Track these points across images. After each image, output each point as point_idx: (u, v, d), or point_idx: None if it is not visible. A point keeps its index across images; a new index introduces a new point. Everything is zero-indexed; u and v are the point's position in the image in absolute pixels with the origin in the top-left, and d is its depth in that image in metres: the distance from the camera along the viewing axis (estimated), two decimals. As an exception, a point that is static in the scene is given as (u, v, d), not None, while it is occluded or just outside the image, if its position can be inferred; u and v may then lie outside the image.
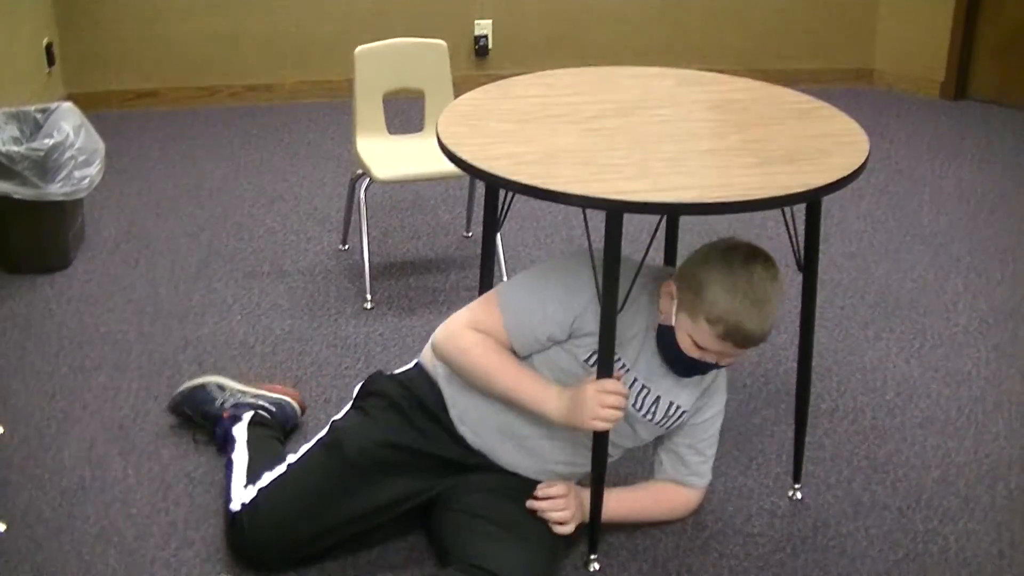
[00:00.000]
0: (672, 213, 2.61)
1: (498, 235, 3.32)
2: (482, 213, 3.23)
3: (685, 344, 2.80)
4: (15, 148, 4.35)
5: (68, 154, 4.41)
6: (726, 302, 2.71)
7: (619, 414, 2.80)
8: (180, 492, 3.25)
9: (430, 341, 3.05)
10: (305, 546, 2.95)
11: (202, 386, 3.53)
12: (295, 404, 3.54)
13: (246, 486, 3.03)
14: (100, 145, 4.66)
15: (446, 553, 2.91)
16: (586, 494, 2.99)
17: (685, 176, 2.69)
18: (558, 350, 2.90)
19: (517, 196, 2.78)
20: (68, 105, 4.73)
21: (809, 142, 2.91)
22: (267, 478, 3.02)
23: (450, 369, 3.00)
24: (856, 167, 2.76)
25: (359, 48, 4.33)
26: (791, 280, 4.49)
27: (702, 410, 3.06)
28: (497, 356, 2.89)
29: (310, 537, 2.94)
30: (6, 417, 3.62)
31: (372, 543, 3.05)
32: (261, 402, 3.47)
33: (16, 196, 4.35)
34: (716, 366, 2.85)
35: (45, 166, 4.36)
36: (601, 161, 2.76)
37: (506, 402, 2.93)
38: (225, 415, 3.42)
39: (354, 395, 3.20)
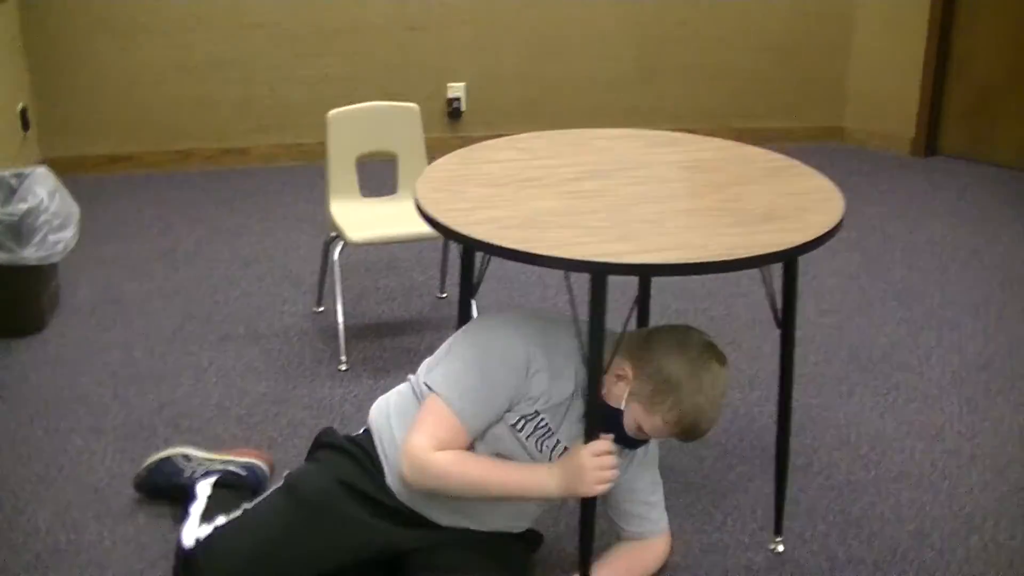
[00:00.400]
0: (657, 274, 2.62)
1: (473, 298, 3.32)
2: (456, 274, 3.25)
3: (630, 426, 2.83)
4: (-11, 213, 4.36)
5: (42, 218, 4.42)
6: (690, 404, 2.75)
7: (617, 473, 2.81)
8: (156, 554, 3.24)
9: (378, 409, 3.07)
10: None
11: (167, 459, 3.50)
12: (265, 467, 3.52)
13: (200, 524, 3.02)
14: (75, 209, 4.67)
15: None
16: None
17: (666, 237, 2.70)
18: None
19: (492, 258, 2.79)
20: (43, 170, 4.74)
21: (785, 200, 2.94)
22: (222, 519, 3.00)
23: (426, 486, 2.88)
24: (834, 224, 2.78)
25: (332, 112, 4.36)
26: (767, 335, 4.52)
27: (632, 460, 3.06)
28: (475, 465, 2.85)
29: None
30: (-20, 481, 3.62)
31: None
32: (231, 468, 3.45)
33: (-10, 260, 4.36)
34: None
35: (19, 230, 4.37)
36: (583, 224, 2.77)
37: (501, 500, 2.94)
38: (197, 482, 3.40)
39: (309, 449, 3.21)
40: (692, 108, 6.95)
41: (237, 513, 3.02)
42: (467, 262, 3.21)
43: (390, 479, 2.99)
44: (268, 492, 3.09)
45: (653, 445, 3.13)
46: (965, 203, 6.13)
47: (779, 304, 3.06)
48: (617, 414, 2.82)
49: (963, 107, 6.77)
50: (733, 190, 3.02)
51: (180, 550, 3.00)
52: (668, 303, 4.79)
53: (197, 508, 3.15)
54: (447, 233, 2.77)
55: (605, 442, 2.79)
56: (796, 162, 3.26)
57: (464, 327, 2.96)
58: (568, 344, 2.86)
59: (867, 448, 3.79)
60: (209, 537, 2.95)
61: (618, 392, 2.82)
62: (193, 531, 3.00)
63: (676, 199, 2.96)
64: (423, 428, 2.82)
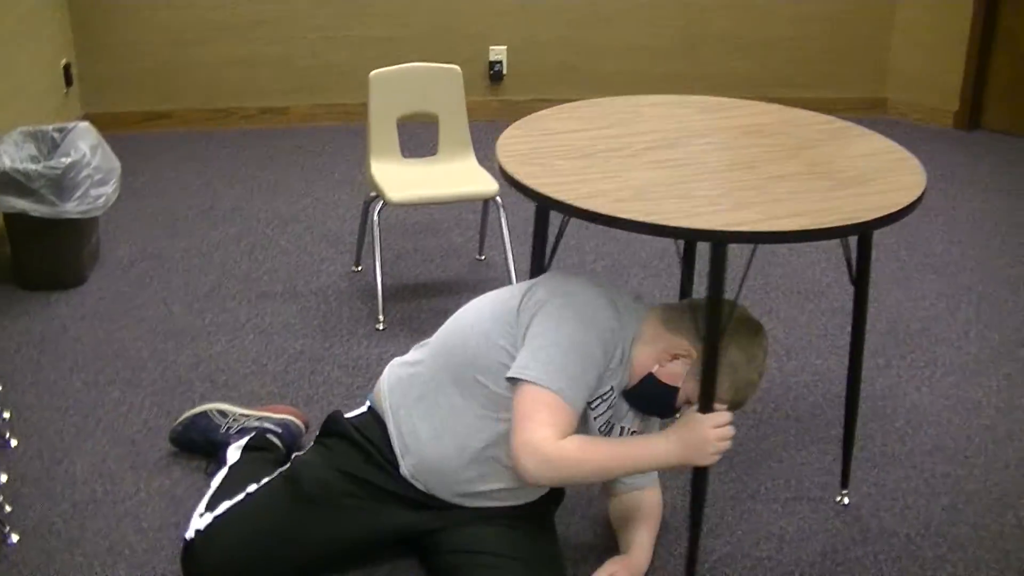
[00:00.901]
0: (787, 241, 2.63)
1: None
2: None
3: (680, 401, 2.86)
4: (32, 166, 4.38)
5: (84, 173, 4.44)
6: (745, 382, 2.81)
7: (730, 443, 2.81)
8: (190, 508, 3.25)
9: (386, 384, 3.07)
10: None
11: (203, 413, 3.52)
12: (300, 423, 3.54)
13: (202, 514, 3.02)
14: (116, 164, 4.69)
15: None
16: (637, 561, 3.03)
17: (781, 204, 2.71)
18: None
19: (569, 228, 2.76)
20: (85, 125, 4.76)
21: (866, 161, 2.97)
22: (224, 507, 3.00)
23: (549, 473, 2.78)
24: (925, 182, 2.86)
25: (374, 72, 4.36)
26: (803, 306, 4.51)
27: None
28: (601, 447, 2.82)
29: (263, 569, 2.93)
30: (20, 431, 3.64)
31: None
32: (266, 424, 3.47)
33: (33, 214, 4.38)
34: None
35: (61, 184, 4.39)
36: (693, 194, 2.76)
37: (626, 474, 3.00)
38: (230, 442, 3.42)
39: (318, 432, 3.20)
40: (732, 77, 6.91)
41: (239, 498, 3.02)
42: (541, 232, 3.16)
43: (406, 463, 2.97)
44: (271, 477, 3.09)
45: None
46: (1007, 178, 6.09)
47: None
48: (673, 392, 2.83)
49: (1007, 81, 6.71)
50: (808, 154, 3.03)
51: (183, 540, 3.01)
52: (703, 271, 4.78)
53: (215, 482, 3.17)
54: (564, 208, 2.71)
55: (726, 413, 2.79)
56: (850, 123, 3.28)
57: (542, 310, 2.83)
58: (628, 318, 2.87)
59: (902, 421, 3.78)
60: (209, 526, 2.96)
61: (675, 370, 2.82)
62: (195, 522, 3.01)
63: (764, 164, 2.96)
64: (541, 420, 2.70)
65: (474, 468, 2.91)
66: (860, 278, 3.09)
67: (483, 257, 4.91)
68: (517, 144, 3.11)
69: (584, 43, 6.75)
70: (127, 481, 3.41)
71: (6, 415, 3.71)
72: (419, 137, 4.96)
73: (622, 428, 2.95)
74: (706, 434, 2.74)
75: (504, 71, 6.73)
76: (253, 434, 3.40)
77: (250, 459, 3.29)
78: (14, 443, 3.58)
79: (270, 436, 3.41)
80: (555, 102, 3.48)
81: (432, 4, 6.55)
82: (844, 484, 3.37)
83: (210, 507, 3.03)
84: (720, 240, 2.59)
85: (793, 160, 2.98)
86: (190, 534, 2.97)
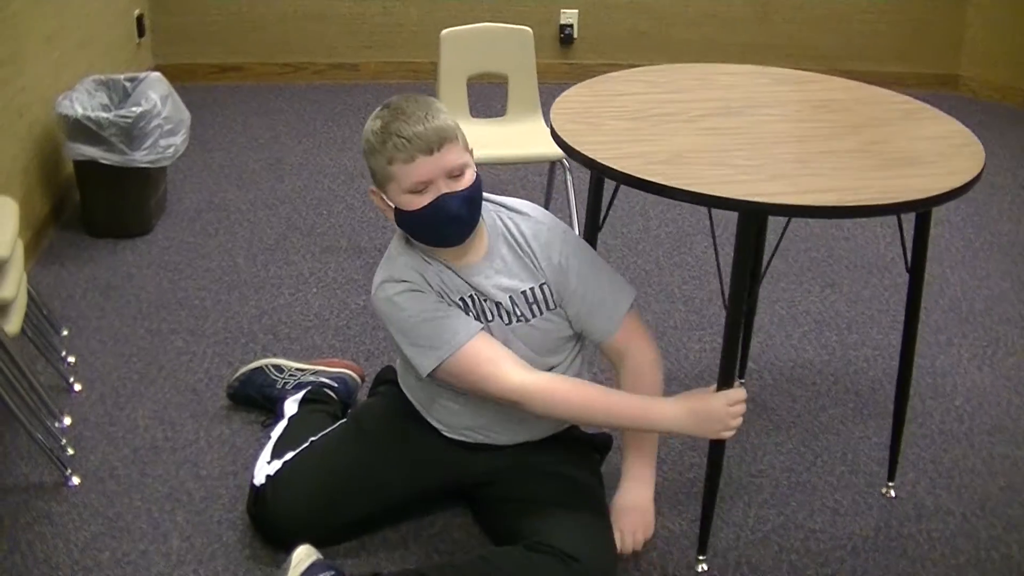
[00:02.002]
0: (812, 216, 2.61)
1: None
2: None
3: (409, 203, 2.71)
4: (104, 115, 4.42)
5: (155, 122, 4.48)
6: (375, 135, 2.72)
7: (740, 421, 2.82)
8: (249, 457, 3.29)
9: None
10: (330, 521, 2.95)
11: (259, 369, 3.54)
12: (356, 377, 3.55)
13: (270, 461, 3.05)
14: (186, 115, 4.73)
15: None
16: (639, 502, 3.02)
17: (817, 178, 2.69)
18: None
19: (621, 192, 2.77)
20: (156, 75, 4.80)
21: (926, 144, 2.91)
22: (290, 454, 3.04)
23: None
24: (979, 170, 2.77)
25: (445, 31, 4.36)
26: (867, 280, 4.48)
27: (563, 270, 2.90)
28: (587, 389, 2.88)
29: (334, 512, 2.95)
30: (84, 376, 3.69)
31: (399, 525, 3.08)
32: (322, 379, 3.49)
33: (102, 161, 4.43)
34: (458, 211, 2.74)
35: (132, 133, 4.43)
36: (729, 162, 2.75)
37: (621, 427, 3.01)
38: (287, 396, 3.44)
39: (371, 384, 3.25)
40: (804, 48, 6.85)
41: (304, 446, 3.06)
42: (596, 194, 3.16)
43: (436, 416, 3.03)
44: (335, 426, 3.14)
45: (559, 244, 2.93)
46: (1079, 159, 6.03)
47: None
48: (402, 214, 2.78)
49: (1083, 61, 6.63)
50: (870, 132, 2.98)
51: (251, 487, 3.04)
52: (771, 242, 4.77)
53: (274, 436, 3.20)
54: (592, 165, 2.73)
55: (741, 391, 2.80)
56: (926, 105, 3.21)
57: (578, 257, 2.91)
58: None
59: (962, 400, 3.76)
60: (278, 472, 2.99)
61: (383, 204, 2.83)
62: (263, 468, 3.04)
63: (816, 140, 2.93)
64: (645, 335, 2.98)
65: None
66: (916, 265, 3.05)
67: (547, 220, 4.90)
68: (574, 102, 3.13)
69: (656, 9, 6.72)
70: (187, 429, 3.45)
71: (71, 360, 3.76)
72: (488, 97, 4.97)
73: (520, 293, 2.90)
74: (719, 410, 2.77)
75: (575, 35, 6.71)
76: (309, 388, 3.43)
77: (308, 411, 3.32)
78: (78, 387, 3.63)
79: (326, 390, 3.44)
80: (624, 67, 3.46)
81: (505, -35, 6.55)
82: (891, 476, 3.31)
83: (276, 455, 3.06)
84: (732, 208, 2.57)
85: (850, 137, 2.95)
86: (259, 480, 3.00)
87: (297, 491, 2.95)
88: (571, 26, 6.67)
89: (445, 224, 2.73)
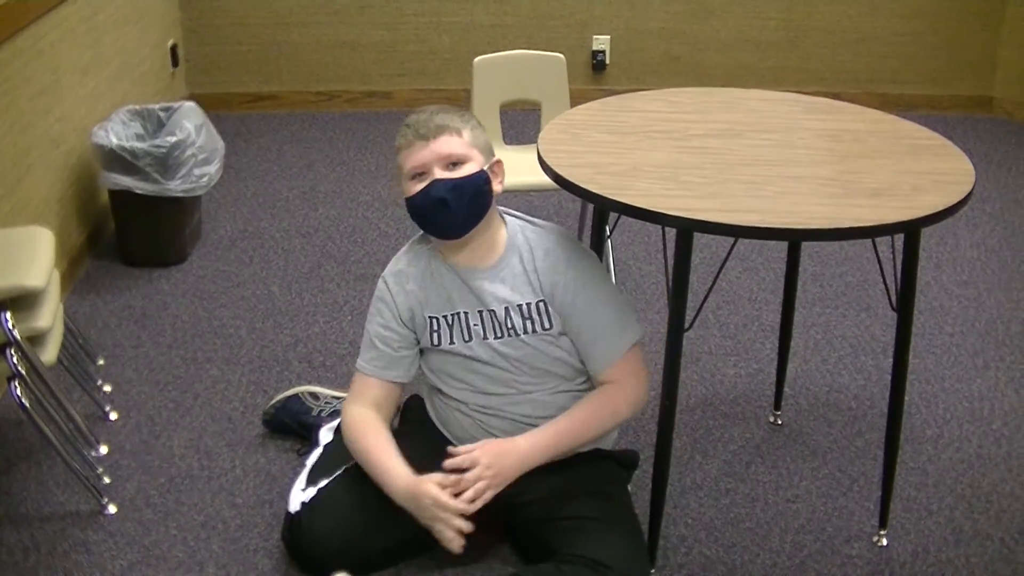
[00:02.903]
0: (728, 234, 2.57)
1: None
2: (591, 225, 3.26)
3: (408, 189, 2.89)
4: (138, 144, 4.45)
5: (189, 152, 4.51)
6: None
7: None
8: (285, 486, 3.30)
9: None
10: (364, 548, 2.95)
11: (295, 396, 3.55)
12: None
13: (304, 488, 3.05)
14: (220, 144, 4.76)
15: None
16: (506, 451, 2.93)
17: (756, 200, 2.67)
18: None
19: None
20: (191, 104, 4.83)
21: (908, 178, 2.83)
22: (324, 481, 3.04)
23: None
24: (941, 208, 2.65)
25: (478, 58, 4.38)
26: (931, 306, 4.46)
27: (567, 291, 2.94)
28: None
29: (367, 539, 2.95)
30: (120, 404, 3.71)
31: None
32: None
33: (137, 191, 4.45)
34: (443, 195, 2.85)
35: (166, 163, 4.46)
36: (679, 178, 2.76)
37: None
38: (322, 425, 3.45)
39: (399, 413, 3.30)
40: (837, 71, 6.85)
41: (338, 473, 3.06)
42: (601, 215, 3.22)
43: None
44: None
45: (568, 270, 2.97)
46: (1115, 181, 5.99)
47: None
48: (409, 200, 2.94)
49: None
50: (859, 163, 2.93)
51: (286, 514, 3.04)
52: (805, 266, 4.76)
53: (311, 460, 3.21)
54: (546, 169, 2.85)
55: (475, 466, 2.86)
56: (945, 141, 3.10)
57: (589, 284, 2.96)
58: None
59: (1000, 423, 3.74)
60: (312, 499, 2.99)
61: (397, 192, 3.00)
62: (298, 495, 3.04)
63: (793, 165, 2.90)
64: (639, 376, 3.00)
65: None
66: (903, 305, 2.99)
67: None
68: (582, 113, 3.22)
69: (687, 34, 6.72)
70: (223, 457, 3.46)
71: (107, 388, 3.78)
72: (521, 124, 4.98)
73: (515, 306, 2.97)
74: (425, 495, 2.83)
75: (607, 60, 6.72)
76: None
77: (342, 440, 3.32)
78: (114, 416, 3.65)
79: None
80: (657, 93, 3.49)
81: (536, -8, 6.57)
82: (882, 524, 3.20)
83: (311, 482, 3.07)
84: (645, 218, 2.61)
85: (830, 166, 2.91)
86: (294, 507, 3.00)
87: (331, 519, 2.94)
88: (603, 52, 6.68)
89: (432, 208, 2.87)
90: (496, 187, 2.95)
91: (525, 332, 2.91)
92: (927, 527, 3.23)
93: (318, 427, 3.41)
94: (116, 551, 3.05)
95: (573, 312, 2.90)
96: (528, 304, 2.91)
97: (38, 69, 4.30)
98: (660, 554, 3.06)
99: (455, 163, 2.86)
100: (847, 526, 3.23)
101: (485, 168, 2.91)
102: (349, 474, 3.04)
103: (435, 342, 3.00)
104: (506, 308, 2.91)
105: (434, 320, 2.99)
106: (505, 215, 3.06)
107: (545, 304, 2.91)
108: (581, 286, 2.91)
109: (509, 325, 2.92)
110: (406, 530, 2.96)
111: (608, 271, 4.25)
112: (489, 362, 2.95)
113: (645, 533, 2.99)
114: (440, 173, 2.85)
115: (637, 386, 2.99)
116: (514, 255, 2.94)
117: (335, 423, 3.38)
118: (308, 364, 3.95)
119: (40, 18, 4.32)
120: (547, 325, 2.91)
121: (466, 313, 2.96)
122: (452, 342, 2.98)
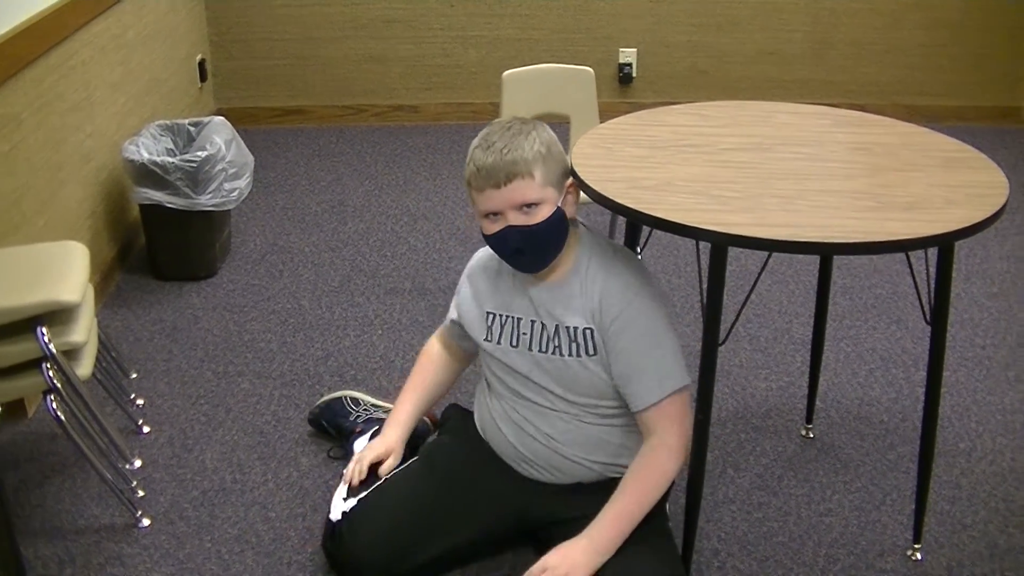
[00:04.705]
0: (763, 248, 2.56)
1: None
2: (622, 239, 3.26)
3: (484, 226, 2.85)
4: (169, 159, 4.46)
5: (219, 166, 4.52)
6: (468, 155, 2.85)
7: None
8: (318, 499, 3.31)
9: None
10: (403, 559, 2.95)
11: (339, 399, 3.60)
12: (427, 421, 3.54)
13: (346, 498, 3.07)
14: (249, 159, 4.77)
15: None
16: (574, 552, 2.85)
17: (790, 214, 2.66)
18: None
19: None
20: (220, 119, 4.85)
21: (940, 191, 2.82)
22: (363, 491, 3.05)
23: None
24: (976, 221, 2.65)
25: (507, 72, 4.38)
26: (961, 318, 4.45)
27: (614, 327, 2.90)
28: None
29: (407, 551, 2.95)
30: (153, 418, 3.72)
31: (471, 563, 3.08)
32: None
33: (168, 205, 4.47)
34: (519, 245, 2.83)
35: (197, 177, 4.47)
36: (712, 192, 2.76)
37: None
38: (356, 430, 3.47)
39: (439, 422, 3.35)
40: (863, 83, 6.84)
41: (379, 483, 3.07)
42: (633, 229, 3.23)
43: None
44: (406, 464, 3.15)
45: (617, 305, 2.92)
46: None
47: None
48: (488, 238, 2.92)
49: None
50: (891, 176, 2.92)
51: (327, 522, 3.06)
52: (836, 279, 4.75)
53: (347, 474, 3.21)
54: (581, 185, 2.85)
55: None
56: (979, 154, 3.09)
57: (639, 322, 2.90)
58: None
59: (1033, 436, 3.73)
60: (353, 509, 3.00)
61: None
62: (339, 504, 3.05)
63: (825, 179, 2.89)
64: (681, 425, 2.90)
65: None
66: (937, 318, 2.97)
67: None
68: (614, 127, 3.22)
69: (714, 47, 6.73)
70: (256, 471, 3.47)
71: (140, 402, 3.80)
72: (548, 138, 4.97)
73: (565, 328, 2.96)
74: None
75: (634, 73, 6.73)
76: (378, 427, 3.44)
77: None
78: (147, 430, 3.66)
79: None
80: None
81: (562, 5, 6.57)
82: (916, 538, 3.20)
83: (351, 492, 3.08)
84: (679, 232, 2.61)
85: (863, 179, 2.89)
86: (336, 516, 3.01)
87: (371, 530, 2.95)
88: (630, 65, 6.69)
89: (507, 255, 2.87)
90: (571, 211, 2.90)
91: (569, 355, 2.91)
92: (961, 541, 3.22)
93: (352, 434, 3.43)
94: (150, 564, 3.06)
95: (615, 349, 2.88)
96: (576, 328, 2.90)
97: (70, 86, 4.33)
98: (694, 568, 3.06)
99: (529, 205, 2.79)
100: (880, 540, 3.22)
101: (559, 204, 2.85)
102: (388, 484, 3.06)
103: (487, 337, 3.03)
104: (556, 327, 2.91)
105: (490, 316, 3.04)
106: (581, 229, 3.01)
107: (592, 332, 2.89)
108: (629, 325, 2.88)
109: (556, 344, 2.92)
110: (443, 543, 2.97)
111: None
112: (527, 374, 2.96)
113: (679, 547, 2.98)
114: (514, 218, 2.79)
115: (679, 434, 2.89)
116: (576, 278, 2.91)
117: (369, 433, 3.39)
118: (340, 378, 3.96)
119: (72, 35, 4.34)
120: (591, 352, 2.90)
121: (519, 319, 2.98)
122: (500, 343, 3.00)
